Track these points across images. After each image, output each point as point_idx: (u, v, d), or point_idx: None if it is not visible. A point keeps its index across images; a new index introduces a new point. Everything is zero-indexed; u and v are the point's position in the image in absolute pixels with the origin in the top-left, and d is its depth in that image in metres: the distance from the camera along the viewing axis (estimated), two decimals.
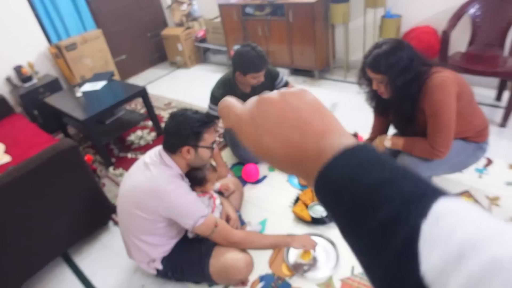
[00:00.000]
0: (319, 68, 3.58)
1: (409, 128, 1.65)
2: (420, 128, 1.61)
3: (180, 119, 1.41)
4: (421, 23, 3.01)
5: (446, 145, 1.51)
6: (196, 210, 1.40)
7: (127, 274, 1.83)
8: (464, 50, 2.67)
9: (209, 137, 1.44)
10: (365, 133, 2.59)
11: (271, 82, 2.34)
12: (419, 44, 2.90)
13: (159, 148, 1.51)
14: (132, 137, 3.10)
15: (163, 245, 1.54)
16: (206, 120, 1.42)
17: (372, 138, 1.94)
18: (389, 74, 1.47)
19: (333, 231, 1.83)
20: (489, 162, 2.14)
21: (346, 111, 3.01)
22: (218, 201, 1.73)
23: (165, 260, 1.57)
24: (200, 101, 3.64)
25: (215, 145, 1.52)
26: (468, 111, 1.58)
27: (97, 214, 2.05)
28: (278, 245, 1.65)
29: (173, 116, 1.44)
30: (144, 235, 1.48)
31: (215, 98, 2.24)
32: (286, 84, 2.40)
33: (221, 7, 3.90)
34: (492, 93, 2.81)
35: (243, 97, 2.27)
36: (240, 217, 1.84)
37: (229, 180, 2.03)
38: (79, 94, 2.93)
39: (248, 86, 2.23)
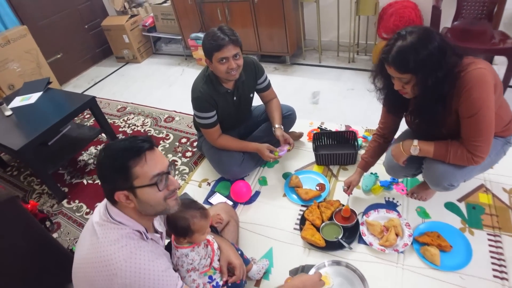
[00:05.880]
0: (291, 52, 3.24)
1: (434, 132, 1.39)
2: (447, 131, 1.36)
3: (101, 156, 0.98)
4: None
5: (487, 150, 1.28)
6: (163, 284, 0.99)
7: None
8: (449, 25, 2.48)
9: (144, 171, 0.96)
10: (357, 126, 2.34)
11: (254, 79, 1.97)
12: (401, 20, 2.67)
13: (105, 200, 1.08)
14: (84, 156, 2.57)
15: None
16: (134, 147, 0.96)
17: (381, 134, 1.67)
18: (419, 73, 1.18)
19: (354, 255, 1.57)
20: None
21: (330, 100, 2.73)
22: (215, 245, 1.37)
23: None
24: (159, 101, 3.16)
25: (165, 178, 1.01)
26: (498, 105, 1.36)
27: (52, 276, 1.57)
28: None
29: (98, 155, 1.01)
30: None
31: (200, 100, 1.82)
32: (268, 87, 2.04)
33: None
34: None
35: (226, 96, 1.78)
36: (242, 255, 1.50)
37: (220, 208, 1.67)
38: (8, 112, 2.33)
39: (229, 81, 1.84)
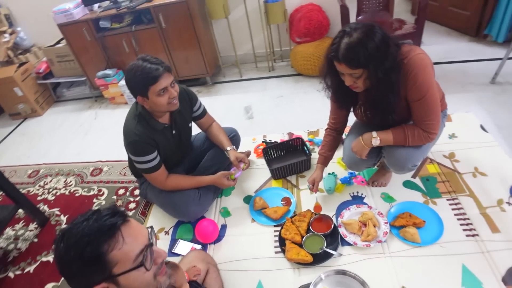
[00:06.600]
0: (210, 72, 3.15)
1: (387, 120, 1.44)
2: (398, 117, 1.43)
3: (61, 248, 0.73)
4: (304, 2, 2.90)
5: (438, 125, 1.39)
6: None
7: None
8: (354, 20, 2.67)
9: (124, 252, 0.74)
10: (299, 131, 2.36)
11: (190, 107, 1.83)
12: (310, 23, 2.80)
13: None
14: (2, 243, 2.08)
15: None
16: (103, 226, 0.73)
17: (334, 128, 1.71)
18: (370, 66, 1.20)
19: (343, 259, 1.52)
20: None
21: (264, 112, 2.72)
22: None
23: None
24: (77, 154, 2.77)
25: (150, 252, 0.79)
26: None
27: None
28: None
29: (55, 247, 0.75)
30: None
31: (137, 144, 1.60)
32: (204, 112, 1.92)
33: (63, 27, 3.00)
34: None
35: (165, 132, 1.59)
36: None
37: (194, 258, 1.47)
38: None
39: (164, 115, 1.67)
